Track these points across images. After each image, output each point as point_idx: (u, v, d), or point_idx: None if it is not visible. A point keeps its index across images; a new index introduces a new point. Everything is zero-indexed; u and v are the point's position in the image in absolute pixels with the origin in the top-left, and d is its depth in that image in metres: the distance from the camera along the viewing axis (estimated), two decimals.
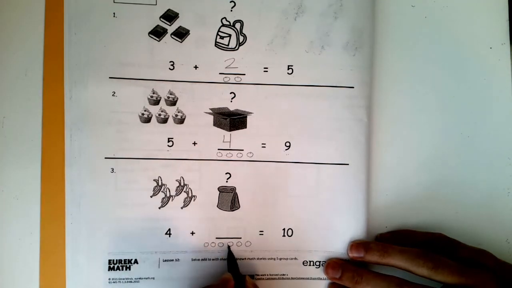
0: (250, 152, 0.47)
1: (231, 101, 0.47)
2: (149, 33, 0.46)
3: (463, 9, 0.50)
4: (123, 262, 0.45)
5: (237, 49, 0.47)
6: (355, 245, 0.46)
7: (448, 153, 0.49)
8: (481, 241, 0.48)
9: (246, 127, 0.47)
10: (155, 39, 0.46)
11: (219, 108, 0.47)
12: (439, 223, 0.48)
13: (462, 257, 0.44)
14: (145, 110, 0.46)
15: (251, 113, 0.47)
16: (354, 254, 0.45)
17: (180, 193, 0.46)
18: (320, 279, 0.47)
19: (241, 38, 0.47)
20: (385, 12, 0.49)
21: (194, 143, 0.46)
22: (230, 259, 0.46)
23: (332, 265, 0.46)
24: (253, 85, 0.47)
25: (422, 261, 0.42)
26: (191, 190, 0.46)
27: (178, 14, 0.46)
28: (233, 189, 0.47)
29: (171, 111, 0.46)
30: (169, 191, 0.46)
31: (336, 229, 0.47)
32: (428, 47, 0.49)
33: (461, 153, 0.49)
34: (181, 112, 0.46)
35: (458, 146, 0.49)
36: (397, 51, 0.49)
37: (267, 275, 0.47)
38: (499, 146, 0.49)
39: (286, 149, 0.47)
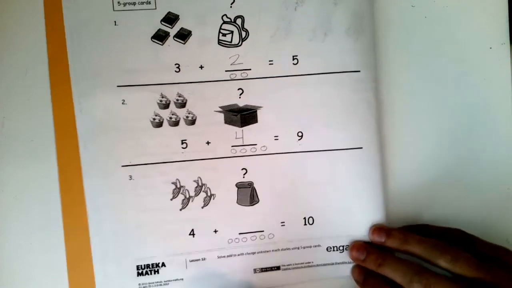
0: (264, 146, 0.47)
1: (240, 97, 0.47)
2: (152, 37, 0.46)
3: (463, 9, 0.50)
4: (151, 266, 0.46)
5: (241, 44, 0.47)
6: (377, 229, 0.46)
7: (448, 153, 0.50)
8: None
9: (257, 122, 0.47)
10: (158, 43, 0.46)
11: (229, 105, 0.47)
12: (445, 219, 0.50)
13: (480, 252, 0.43)
14: (156, 115, 0.46)
15: (261, 107, 0.47)
16: (375, 238, 0.46)
17: (199, 193, 0.47)
18: (345, 263, 0.48)
19: (244, 34, 0.47)
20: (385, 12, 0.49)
21: (208, 143, 0.47)
22: None
23: (358, 247, 0.47)
24: (260, 79, 0.47)
25: (439, 253, 0.42)
26: (209, 189, 0.47)
27: (178, 16, 0.46)
28: (250, 184, 0.47)
29: (181, 113, 0.46)
30: (188, 192, 0.46)
31: (356, 213, 0.48)
32: (427, 47, 0.50)
33: (460, 153, 0.50)
34: (191, 113, 0.46)
35: (457, 146, 0.50)
36: (397, 51, 0.49)
37: (293, 264, 0.48)
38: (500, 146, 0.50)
39: (299, 139, 0.47)
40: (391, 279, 0.43)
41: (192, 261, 0.46)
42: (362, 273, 0.47)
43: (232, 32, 0.47)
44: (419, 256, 0.43)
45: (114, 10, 0.45)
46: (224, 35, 0.47)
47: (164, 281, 0.46)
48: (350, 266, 0.48)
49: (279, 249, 0.47)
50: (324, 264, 0.48)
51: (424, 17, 0.50)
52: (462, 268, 0.41)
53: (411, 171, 0.50)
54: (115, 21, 0.45)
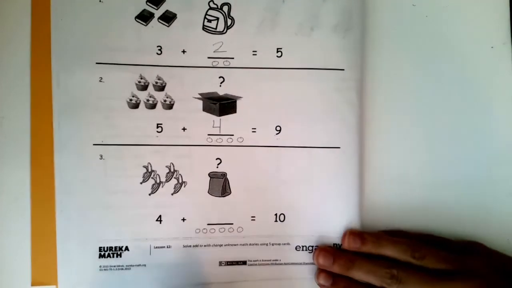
0: (241, 137, 0.46)
1: (220, 86, 0.46)
2: (136, 17, 0.45)
3: (464, 8, 0.49)
4: (114, 249, 0.45)
5: (225, 32, 0.46)
6: (352, 235, 0.45)
7: (447, 153, 0.49)
8: (481, 241, 0.47)
9: (236, 112, 0.46)
10: (142, 24, 0.45)
11: (208, 93, 0.46)
12: (438, 222, 0.49)
13: (455, 250, 0.45)
14: (133, 96, 0.45)
15: (241, 97, 0.46)
16: (351, 245, 0.45)
17: (170, 179, 0.46)
18: (313, 263, 0.47)
19: (229, 21, 0.46)
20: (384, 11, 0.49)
21: (184, 129, 0.46)
22: None
23: (324, 253, 0.45)
24: (242, 69, 0.46)
25: (410, 251, 0.43)
26: (181, 176, 0.46)
27: None
28: (224, 175, 0.46)
29: (159, 96, 0.46)
30: (159, 177, 0.45)
31: (329, 213, 0.47)
32: (428, 46, 0.49)
33: (459, 153, 0.49)
34: (169, 98, 0.46)
35: (456, 146, 0.49)
36: (396, 51, 0.49)
37: (260, 260, 0.46)
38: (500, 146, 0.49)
39: (276, 133, 0.46)
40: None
41: (156, 247, 0.45)
42: (329, 277, 0.45)
43: (217, 18, 0.46)
44: (394, 258, 0.44)
45: None
46: (209, 21, 0.46)
47: (126, 265, 0.45)
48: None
49: (247, 244, 0.46)
50: (292, 263, 0.47)
51: (425, 16, 0.49)
52: (430, 261, 0.43)
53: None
54: None
